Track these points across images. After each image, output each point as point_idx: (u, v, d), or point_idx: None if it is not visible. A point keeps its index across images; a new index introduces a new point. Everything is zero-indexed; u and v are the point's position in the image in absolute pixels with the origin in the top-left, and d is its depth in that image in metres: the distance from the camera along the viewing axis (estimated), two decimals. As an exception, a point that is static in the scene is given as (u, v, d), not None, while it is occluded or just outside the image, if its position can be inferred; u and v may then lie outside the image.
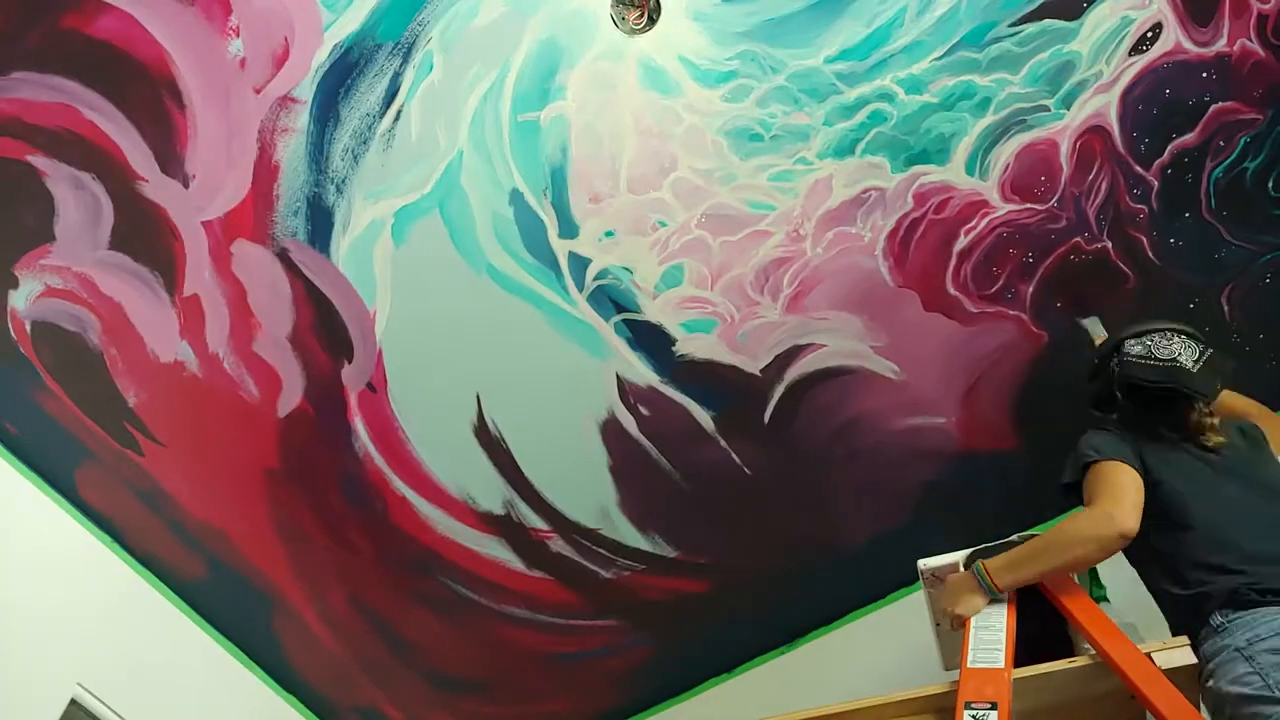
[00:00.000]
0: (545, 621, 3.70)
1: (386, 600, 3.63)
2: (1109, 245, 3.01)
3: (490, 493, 3.45)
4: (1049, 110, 2.88)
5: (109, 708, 3.17)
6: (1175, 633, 2.24)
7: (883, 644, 3.45)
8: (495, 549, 3.55)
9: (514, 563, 3.58)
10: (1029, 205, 2.98)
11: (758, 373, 3.24)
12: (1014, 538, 2.56)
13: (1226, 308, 3.07)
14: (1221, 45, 2.77)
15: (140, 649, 3.34)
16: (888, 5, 2.77)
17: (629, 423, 3.33)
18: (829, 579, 3.56)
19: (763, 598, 3.61)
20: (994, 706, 2.02)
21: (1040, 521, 3.41)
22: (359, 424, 3.28)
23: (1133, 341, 2.61)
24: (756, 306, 3.16)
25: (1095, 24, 2.77)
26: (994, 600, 2.35)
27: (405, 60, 2.79)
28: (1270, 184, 2.92)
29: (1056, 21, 2.77)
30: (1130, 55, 2.80)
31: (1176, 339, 2.56)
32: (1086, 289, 3.07)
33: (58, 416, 3.12)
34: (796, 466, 3.37)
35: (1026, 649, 2.25)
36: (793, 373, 3.24)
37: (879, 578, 3.56)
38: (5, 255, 2.90)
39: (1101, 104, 2.86)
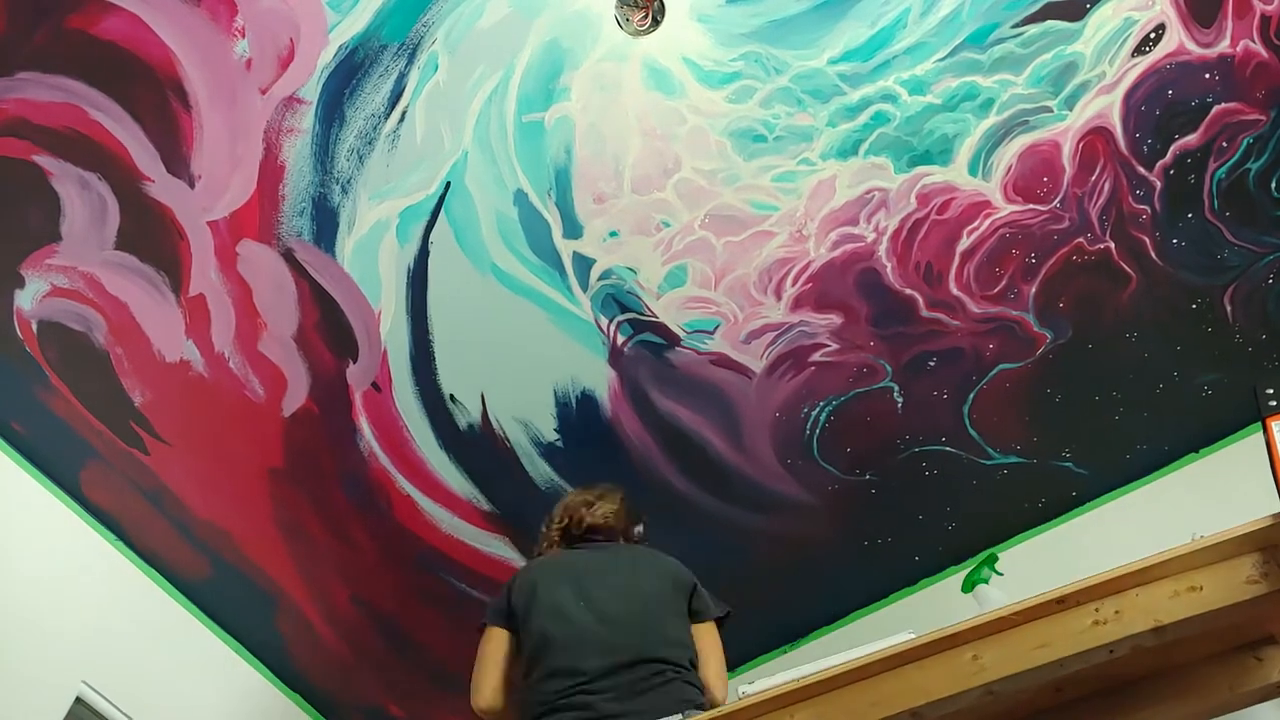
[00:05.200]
0: (548, 620, 3.70)
1: (390, 599, 3.64)
2: (1111, 246, 3.02)
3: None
4: (1052, 111, 2.88)
5: (114, 705, 3.19)
6: None
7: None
8: (499, 548, 3.56)
9: (518, 562, 3.58)
10: (1032, 206, 2.99)
11: (761, 372, 3.25)
12: None
13: (1229, 308, 3.07)
14: (1224, 46, 2.77)
15: (145, 647, 3.35)
16: (891, 6, 2.77)
17: (631, 422, 3.34)
18: (830, 579, 3.57)
19: (763, 598, 3.61)
20: None
21: (1042, 521, 3.43)
22: (364, 423, 3.29)
23: None
24: (760, 307, 3.17)
25: (1098, 25, 2.78)
26: None
27: (410, 61, 2.79)
28: (1273, 185, 2.92)
29: (1059, 23, 2.78)
30: (1133, 56, 2.81)
31: None
32: (1089, 290, 3.08)
33: (63, 415, 3.13)
34: (799, 465, 3.38)
35: None
36: (795, 373, 3.25)
37: (880, 578, 3.57)
38: (11, 255, 2.92)
39: (1104, 105, 2.87)
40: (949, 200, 3.00)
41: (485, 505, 3.48)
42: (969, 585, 2.98)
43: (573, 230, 3.07)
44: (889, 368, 3.22)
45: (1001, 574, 3.04)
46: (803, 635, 3.68)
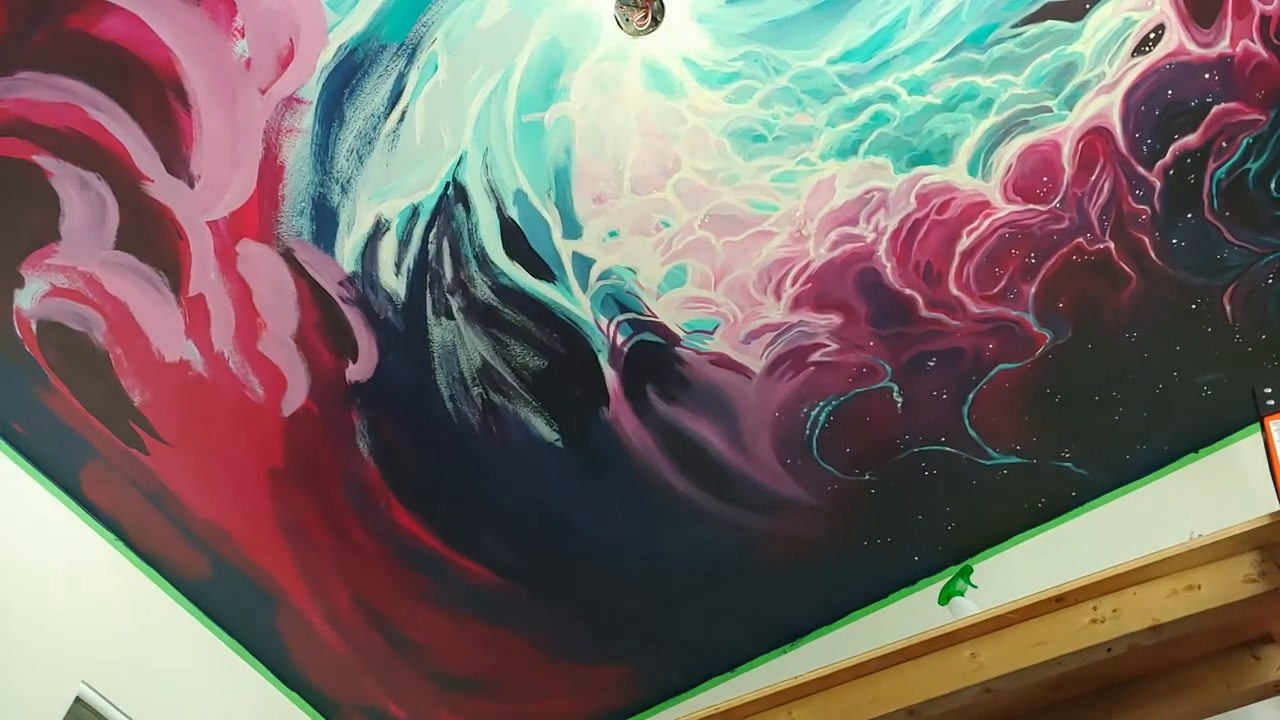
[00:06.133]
0: (548, 620, 3.71)
1: (390, 599, 3.64)
2: (1111, 246, 3.02)
3: (493, 492, 3.46)
4: (1051, 111, 2.88)
5: (114, 705, 3.19)
6: None
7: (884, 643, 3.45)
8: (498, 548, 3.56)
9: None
10: (1031, 206, 2.99)
11: (760, 372, 3.25)
12: None
13: (1229, 309, 3.07)
14: (1224, 46, 2.77)
15: (145, 647, 3.35)
16: (891, 6, 2.78)
17: (631, 422, 3.34)
18: (830, 579, 3.57)
19: (763, 598, 3.61)
20: None
21: (1042, 521, 3.43)
22: (363, 423, 3.29)
23: None
24: (759, 307, 3.17)
25: (1098, 25, 2.78)
26: None
27: (410, 61, 2.80)
28: (1273, 185, 2.92)
29: (1059, 23, 2.78)
30: (1133, 56, 2.81)
31: None
32: (1089, 290, 3.08)
33: (63, 415, 3.14)
34: (799, 466, 3.38)
35: None
36: (795, 373, 3.25)
37: (880, 578, 3.57)
38: (11, 254, 2.92)
39: (1104, 105, 2.87)
40: (949, 200, 3.00)
41: (485, 505, 3.47)
42: (944, 598, 3.00)
43: (572, 230, 3.07)
44: (889, 368, 3.22)
45: (976, 586, 3.06)
46: (802, 635, 3.68)
